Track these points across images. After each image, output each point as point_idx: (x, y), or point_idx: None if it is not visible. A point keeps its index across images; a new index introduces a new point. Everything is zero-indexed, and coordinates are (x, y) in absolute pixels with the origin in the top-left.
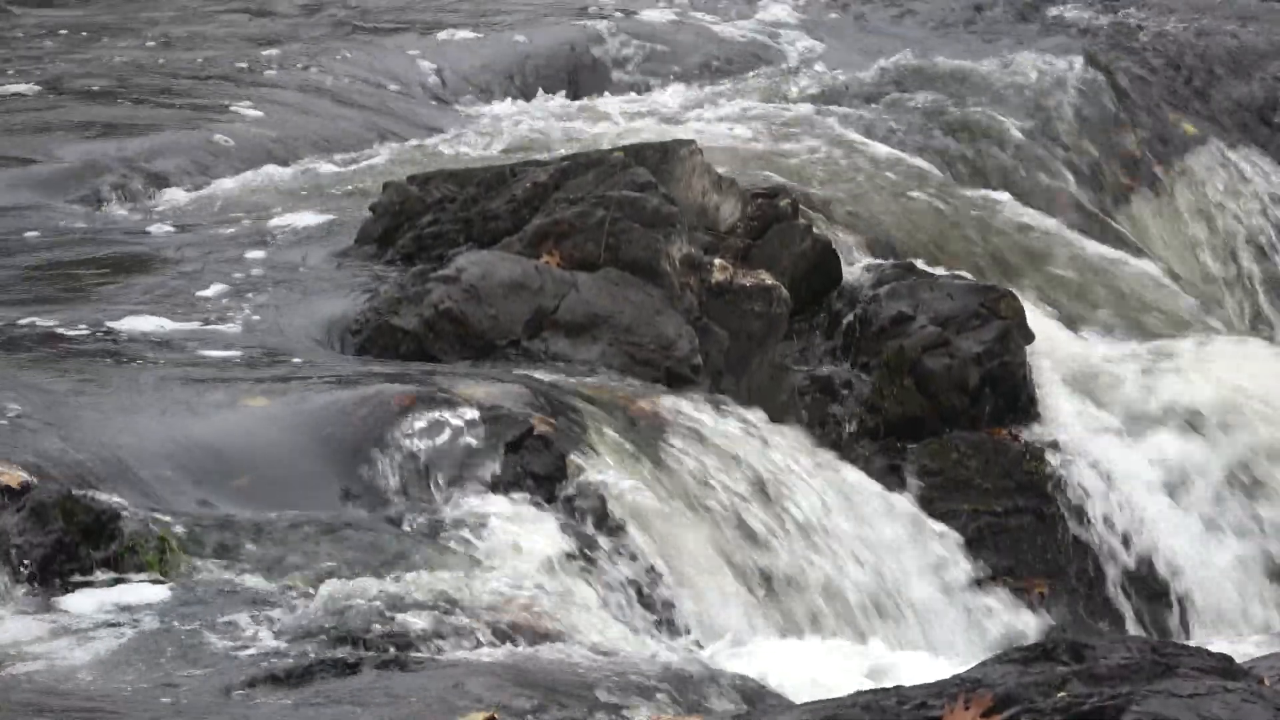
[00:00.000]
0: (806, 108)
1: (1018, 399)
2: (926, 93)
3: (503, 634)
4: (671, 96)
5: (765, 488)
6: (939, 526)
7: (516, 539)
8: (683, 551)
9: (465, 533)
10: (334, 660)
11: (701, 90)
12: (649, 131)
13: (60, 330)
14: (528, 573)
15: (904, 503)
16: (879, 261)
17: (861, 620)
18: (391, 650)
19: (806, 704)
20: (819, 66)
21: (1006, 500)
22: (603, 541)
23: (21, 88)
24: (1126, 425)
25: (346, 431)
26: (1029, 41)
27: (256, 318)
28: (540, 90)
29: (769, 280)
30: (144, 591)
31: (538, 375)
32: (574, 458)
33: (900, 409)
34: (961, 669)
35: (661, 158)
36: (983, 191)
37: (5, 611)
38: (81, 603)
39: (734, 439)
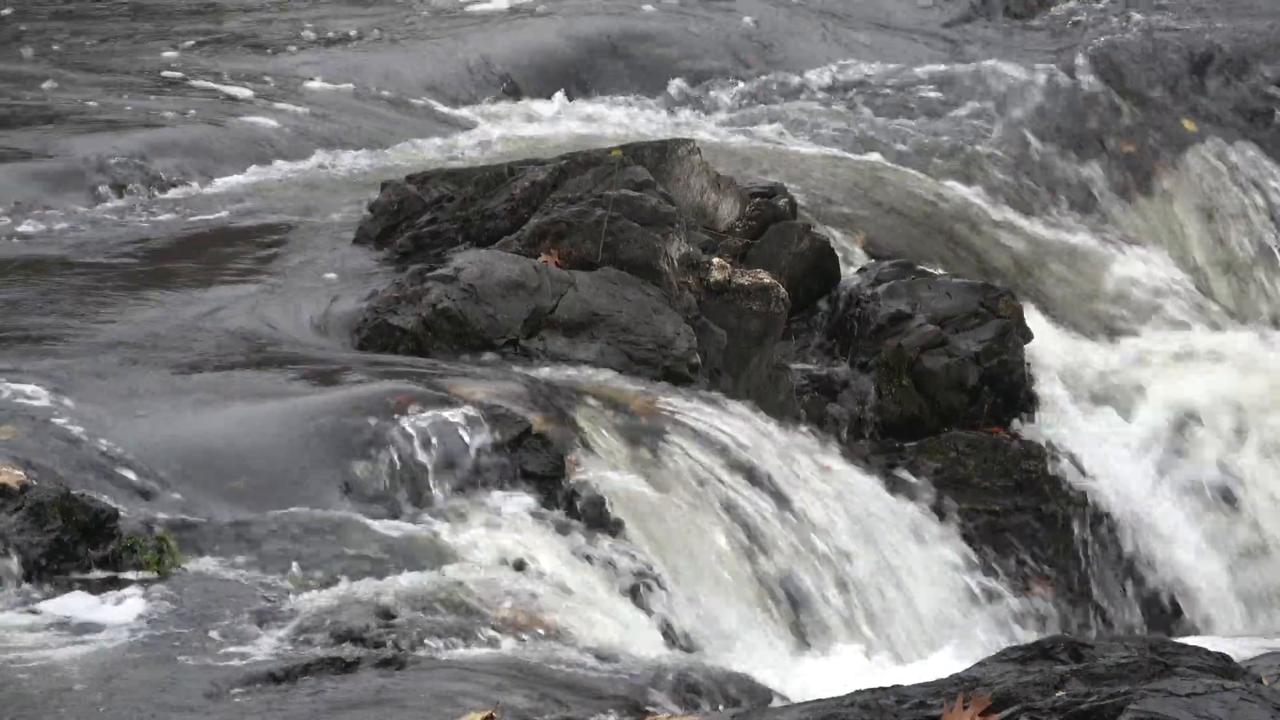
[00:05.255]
0: (803, 108)
1: (1016, 397)
2: (923, 93)
3: (501, 633)
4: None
5: (763, 487)
6: (937, 525)
7: (515, 538)
8: (681, 550)
9: (464, 532)
10: (332, 659)
11: (692, 90)
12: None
13: (55, 329)
14: (526, 571)
15: (902, 501)
16: (877, 261)
17: (860, 618)
18: (390, 649)
19: (805, 703)
20: (816, 66)
21: (1005, 499)
22: (601, 540)
23: (21, 80)
24: (1125, 423)
25: (345, 430)
26: (1028, 41)
27: (254, 316)
28: (547, 91)
29: (767, 279)
30: (142, 590)
31: (536, 374)
32: (572, 457)
33: (899, 408)
34: (960, 668)
35: (660, 157)
36: (980, 191)
37: (4, 610)
38: (80, 601)
39: (732, 438)
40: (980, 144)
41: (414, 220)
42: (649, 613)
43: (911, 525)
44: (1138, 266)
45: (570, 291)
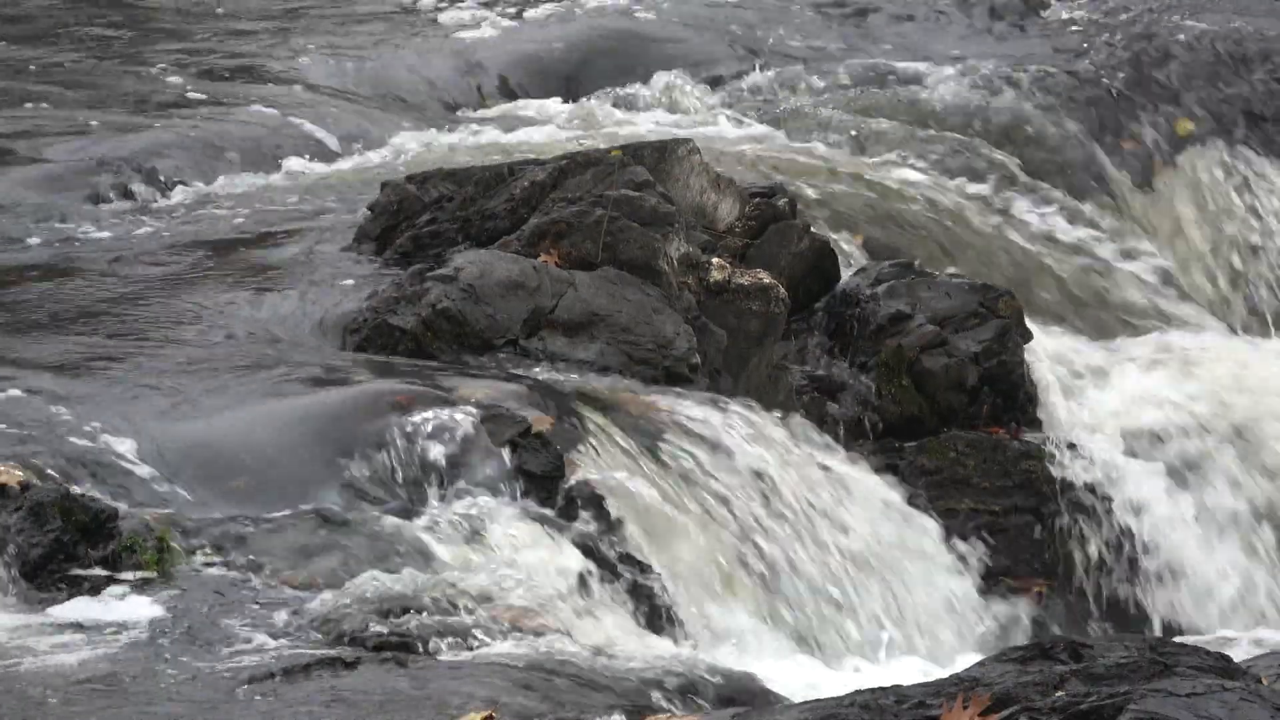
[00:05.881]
0: (804, 106)
1: (1015, 398)
2: (921, 94)
3: (501, 633)
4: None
5: (763, 487)
6: (937, 525)
7: (514, 538)
8: (680, 550)
9: (463, 532)
10: (332, 659)
11: (688, 87)
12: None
13: (56, 329)
14: (526, 572)
15: (902, 502)
16: (877, 261)
17: (859, 618)
18: (390, 649)
19: (805, 703)
20: (813, 67)
21: (1005, 499)
22: (600, 540)
23: (22, 83)
24: (1124, 423)
25: (344, 430)
26: (1030, 39)
27: (255, 317)
28: (546, 91)
29: (767, 279)
30: (142, 590)
31: (536, 374)
32: (572, 456)
33: (898, 408)
34: (959, 668)
35: (659, 157)
36: (978, 192)
37: (3, 610)
38: (79, 601)
39: (732, 438)
40: (979, 144)
41: (414, 220)
42: (648, 612)
43: (911, 525)
44: (1137, 266)
45: (570, 291)
